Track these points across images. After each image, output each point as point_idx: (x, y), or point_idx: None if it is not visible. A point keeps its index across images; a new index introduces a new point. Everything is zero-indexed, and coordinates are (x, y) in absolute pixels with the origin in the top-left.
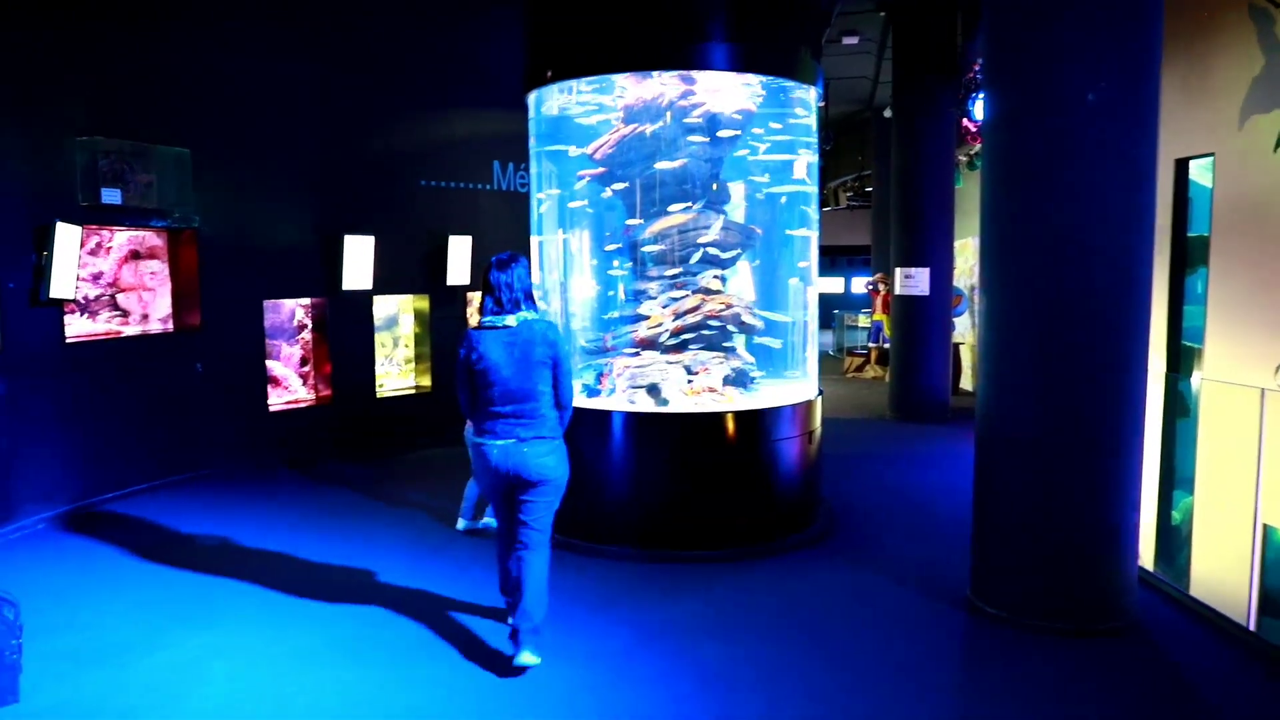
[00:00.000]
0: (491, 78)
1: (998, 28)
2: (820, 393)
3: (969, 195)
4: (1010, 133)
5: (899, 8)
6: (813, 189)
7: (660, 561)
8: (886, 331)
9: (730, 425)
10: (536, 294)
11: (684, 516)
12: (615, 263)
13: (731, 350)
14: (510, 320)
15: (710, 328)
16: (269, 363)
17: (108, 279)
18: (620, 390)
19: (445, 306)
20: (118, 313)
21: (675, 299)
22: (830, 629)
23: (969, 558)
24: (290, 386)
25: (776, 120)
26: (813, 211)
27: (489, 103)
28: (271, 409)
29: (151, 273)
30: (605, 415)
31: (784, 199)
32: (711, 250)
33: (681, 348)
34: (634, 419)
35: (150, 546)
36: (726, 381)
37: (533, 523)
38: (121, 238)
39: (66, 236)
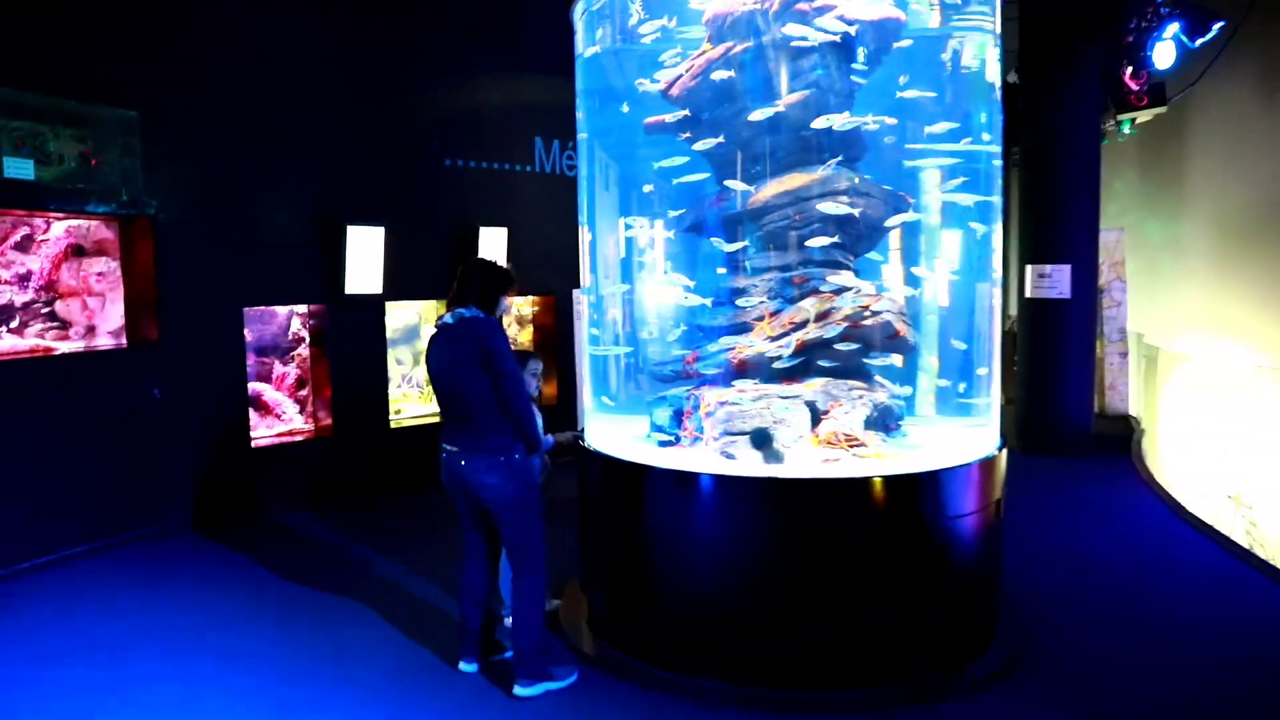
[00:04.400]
0: (534, 35)
1: None
2: (1003, 444)
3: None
4: None
5: None
6: (994, 146)
7: (761, 709)
8: None
9: (878, 495)
10: (510, 306)
11: (801, 636)
12: (703, 250)
13: (872, 379)
14: (448, 317)
15: (847, 343)
16: (256, 385)
17: (38, 281)
18: (710, 439)
19: None
20: (53, 324)
21: (793, 301)
22: None
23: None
24: (285, 415)
25: (940, 39)
26: (995, 178)
27: (531, 67)
28: (257, 443)
29: (99, 274)
30: (686, 479)
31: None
32: (846, 229)
33: (803, 373)
34: (730, 485)
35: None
36: (867, 425)
37: (506, 540)
38: (59, 229)
39: None
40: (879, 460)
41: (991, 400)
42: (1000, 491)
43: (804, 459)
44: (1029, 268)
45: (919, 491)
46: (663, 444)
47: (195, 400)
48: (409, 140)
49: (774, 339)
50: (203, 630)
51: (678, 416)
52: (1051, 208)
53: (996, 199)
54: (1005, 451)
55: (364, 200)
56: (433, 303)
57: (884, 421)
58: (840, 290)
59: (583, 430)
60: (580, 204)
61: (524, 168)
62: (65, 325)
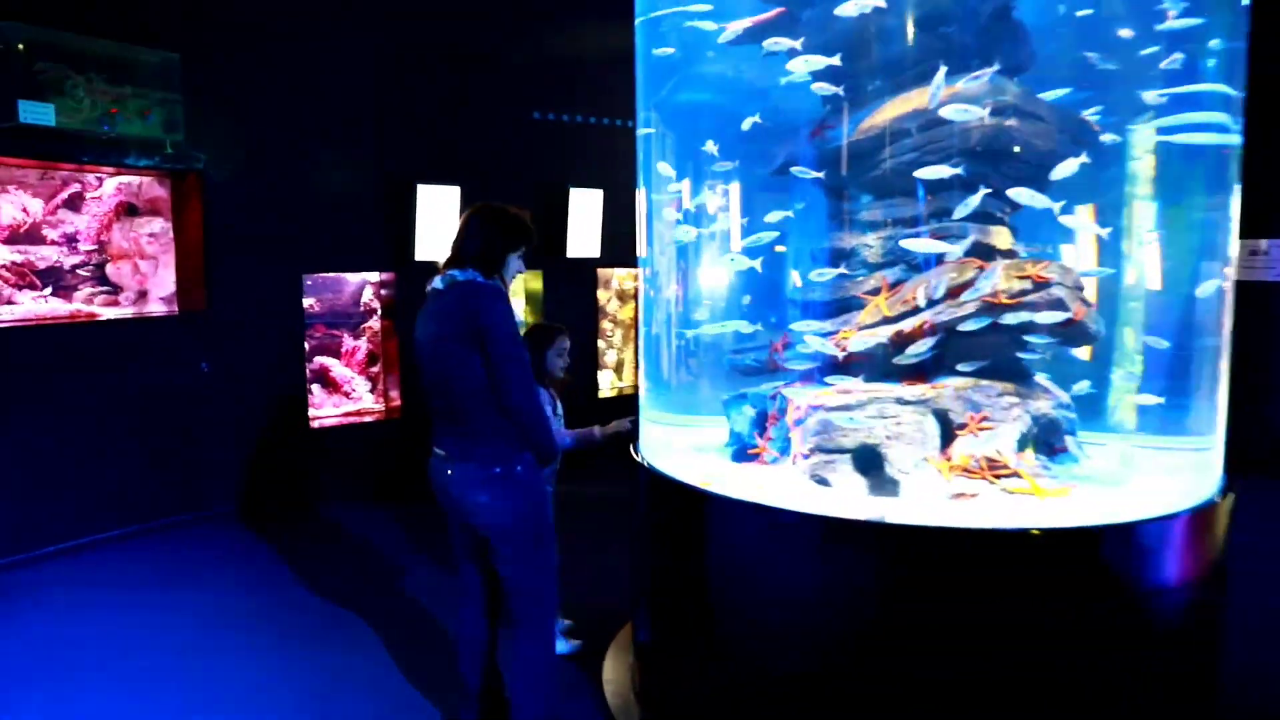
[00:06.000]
0: None
1: None
2: (1225, 486)
3: None
4: None
5: None
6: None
7: None
8: None
9: (1037, 555)
10: (518, 270)
11: None
12: (795, 201)
13: (1031, 380)
14: (438, 281)
15: (999, 330)
16: (325, 360)
17: (88, 242)
18: (798, 456)
19: (565, 287)
20: (103, 288)
21: (919, 268)
22: None
23: None
24: (355, 392)
25: None
26: (1231, 126)
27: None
28: (320, 424)
29: (150, 235)
30: (760, 513)
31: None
32: (1001, 166)
33: (932, 369)
34: (823, 527)
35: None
36: (1021, 445)
37: (505, 580)
38: (110, 186)
39: None
40: (1037, 499)
41: (1215, 419)
42: (1222, 551)
43: (928, 491)
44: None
45: (1099, 552)
46: (739, 457)
47: (247, 375)
48: (491, 89)
49: (891, 320)
50: (183, 650)
51: (761, 421)
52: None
53: (1235, 139)
54: (1232, 497)
55: (437, 157)
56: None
57: (1046, 442)
58: (990, 254)
59: (636, 422)
60: (638, 155)
61: (625, 122)
62: (116, 290)
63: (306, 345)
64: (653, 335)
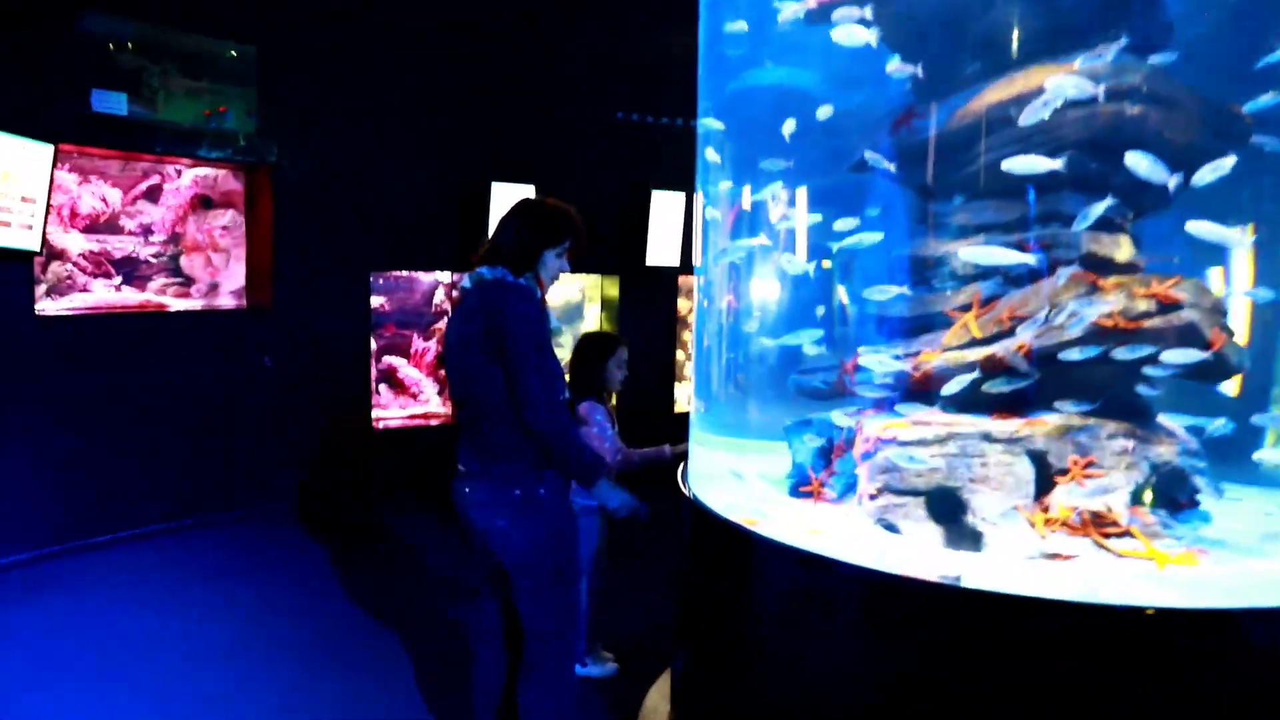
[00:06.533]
0: None
1: None
2: None
3: None
4: None
5: None
6: None
7: None
8: None
9: (1156, 641)
10: (560, 270)
11: None
12: (873, 203)
13: (1151, 419)
14: (466, 279)
15: (1112, 359)
16: (393, 360)
17: (163, 233)
18: (864, 495)
19: (644, 293)
20: (176, 280)
21: (1019, 283)
22: None
23: None
24: (422, 394)
25: None
26: None
27: None
28: (382, 425)
29: (223, 228)
30: (808, 564)
31: None
32: (1130, 158)
33: (1029, 401)
34: (885, 586)
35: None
36: (1136, 498)
37: (525, 619)
38: (187, 178)
39: (23, 155)
40: (1155, 566)
41: None
42: None
43: (1017, 548)
44: None
45: (1235, 643)
46: (798, 491)
47: (312, 372)
48: (572, 87)
49: (982, 342)
50: (203, 658)
51: (827, 452)
52: None
53: None
54: None
55: (513, 155)
56: (596, 277)
57: (1168, 495)
58: (1106, 268)
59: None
60: (698, 160)
61: None
62: (189, 281)
63: (375, 344)
64: (705, 349)
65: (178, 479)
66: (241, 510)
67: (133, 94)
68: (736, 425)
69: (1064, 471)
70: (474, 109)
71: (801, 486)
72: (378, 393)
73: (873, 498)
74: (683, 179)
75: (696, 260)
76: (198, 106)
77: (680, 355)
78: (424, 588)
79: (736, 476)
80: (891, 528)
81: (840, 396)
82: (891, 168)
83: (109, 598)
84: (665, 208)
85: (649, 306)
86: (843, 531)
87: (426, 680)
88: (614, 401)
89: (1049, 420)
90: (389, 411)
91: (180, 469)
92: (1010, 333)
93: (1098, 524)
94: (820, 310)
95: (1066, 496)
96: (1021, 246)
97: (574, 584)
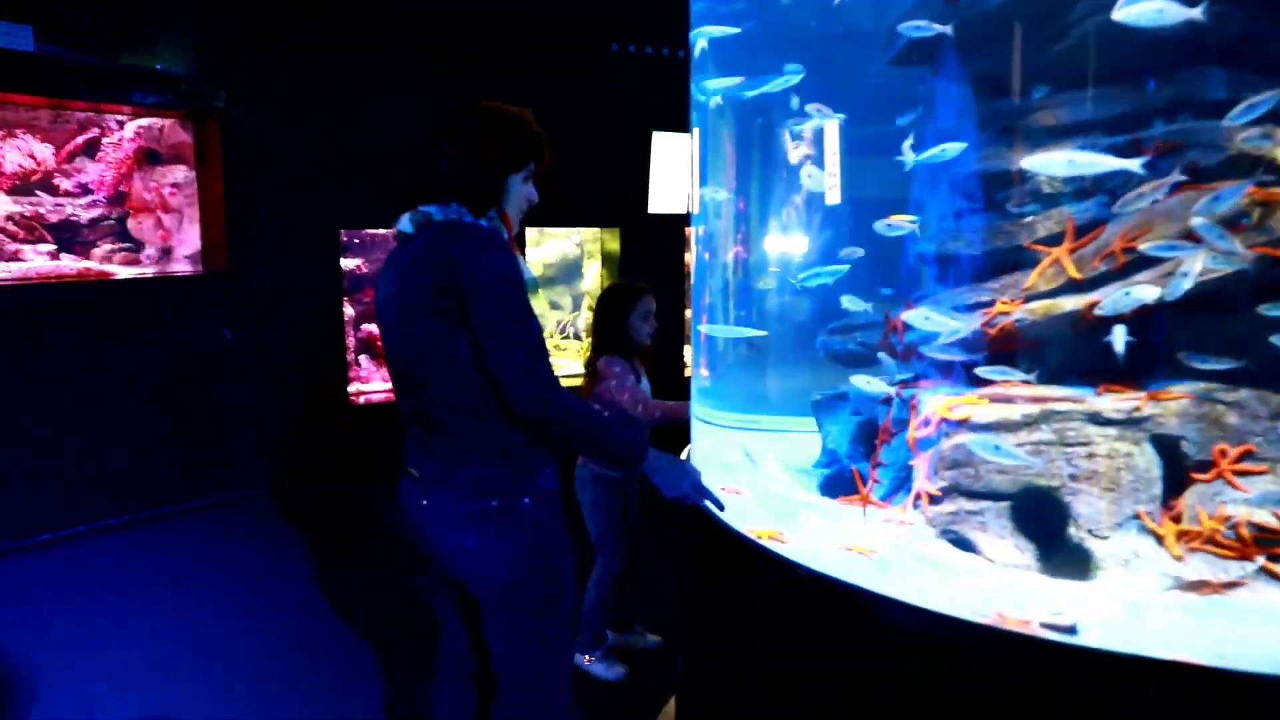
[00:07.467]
0: None
1: None
2: None
3: None
4: None
5: None
6: None
7: None
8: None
9: None
10: (529, 201)
11: None
12: (927, 94)
13: None
14: (405, 222)
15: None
16: (374, 327)
17: (104, 193)
18: (925, 496)
19: (647, 245)
20: (123, 245)
21: (1115, 211)
22: None
23: None
24: None
25: None
26: None
27: None
28: (363, 399)
29: (173, 185)
30: (850, 600)
31: None
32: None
33: (1151, 368)
34: (958, 635)
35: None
36: None
37: (496, 655)
38: (129, 129)
39: None
40: None
41: None
42: None
43: (1141, 573)
44: None
45: None
46: (831, 488)
47: (279, 344)
48: (560, 14)
49: (1081, 287)
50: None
51: (868, 435)
52: None
53: None
54: None
55: (501, 88)
56: (595, 231)
57: None
58: (1269, 182)
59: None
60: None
61: None
62: (138, 246)
63: (354, 310)
64: (707, 306)
65: (130, 469)
66: (205, 499)
67: (43, 27)
68: (739, 398)
69: (1207, 465)
70: (453, 40)
71: (841, 496)
72: (358, 364)
73: (935, 501)
74: (686, 118)
75: (694, 207)
76: (123, 40)
77: (689, 313)
78: (413, 576)
79: (750, 462)
80: (963, 544)
81: (893, 365)
82: (949, 30)
83: (60, 600)
84: (667, 149)
85: (654, 259)
86: (884, 553)
87: (415, 676)
88: (647, 359)
89: (1180, 392)
90: (372, 385)
91: (132, 457)
92: (1123, 271)
93: (1260, 539)
94: (857, 251)
95: (1211, 501)
96: (1141, 150)
97: (562, 617)
